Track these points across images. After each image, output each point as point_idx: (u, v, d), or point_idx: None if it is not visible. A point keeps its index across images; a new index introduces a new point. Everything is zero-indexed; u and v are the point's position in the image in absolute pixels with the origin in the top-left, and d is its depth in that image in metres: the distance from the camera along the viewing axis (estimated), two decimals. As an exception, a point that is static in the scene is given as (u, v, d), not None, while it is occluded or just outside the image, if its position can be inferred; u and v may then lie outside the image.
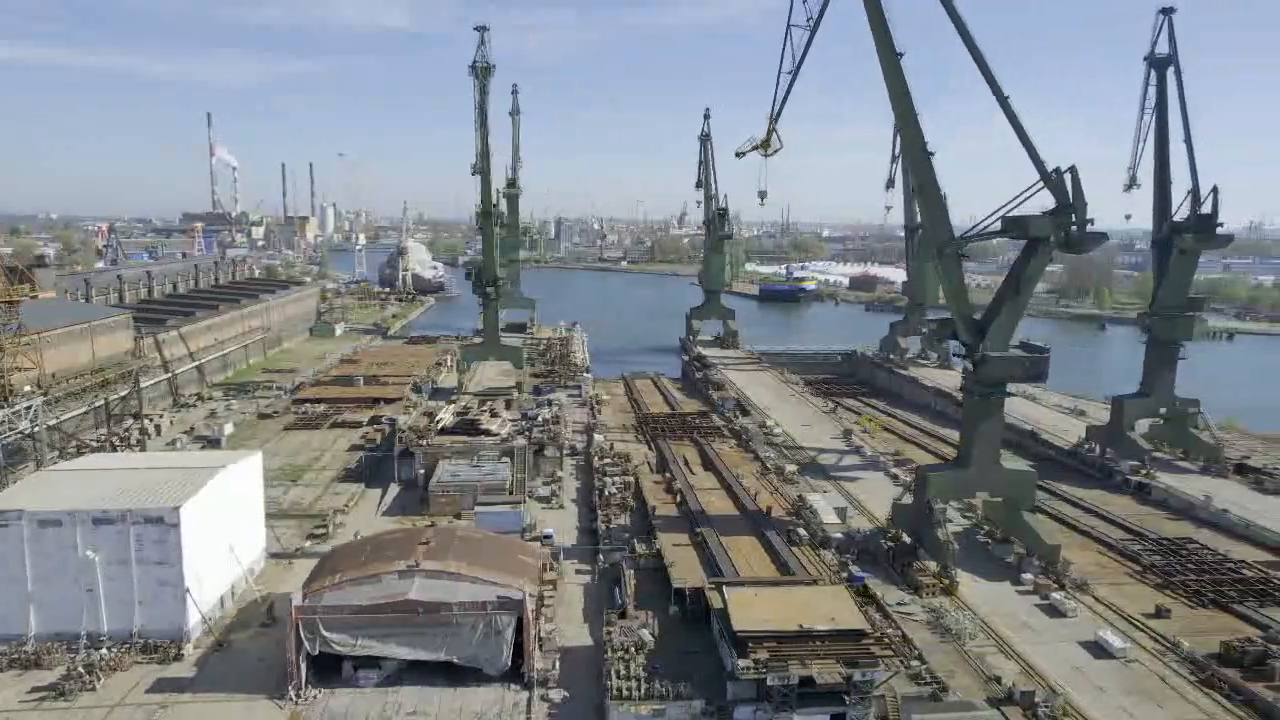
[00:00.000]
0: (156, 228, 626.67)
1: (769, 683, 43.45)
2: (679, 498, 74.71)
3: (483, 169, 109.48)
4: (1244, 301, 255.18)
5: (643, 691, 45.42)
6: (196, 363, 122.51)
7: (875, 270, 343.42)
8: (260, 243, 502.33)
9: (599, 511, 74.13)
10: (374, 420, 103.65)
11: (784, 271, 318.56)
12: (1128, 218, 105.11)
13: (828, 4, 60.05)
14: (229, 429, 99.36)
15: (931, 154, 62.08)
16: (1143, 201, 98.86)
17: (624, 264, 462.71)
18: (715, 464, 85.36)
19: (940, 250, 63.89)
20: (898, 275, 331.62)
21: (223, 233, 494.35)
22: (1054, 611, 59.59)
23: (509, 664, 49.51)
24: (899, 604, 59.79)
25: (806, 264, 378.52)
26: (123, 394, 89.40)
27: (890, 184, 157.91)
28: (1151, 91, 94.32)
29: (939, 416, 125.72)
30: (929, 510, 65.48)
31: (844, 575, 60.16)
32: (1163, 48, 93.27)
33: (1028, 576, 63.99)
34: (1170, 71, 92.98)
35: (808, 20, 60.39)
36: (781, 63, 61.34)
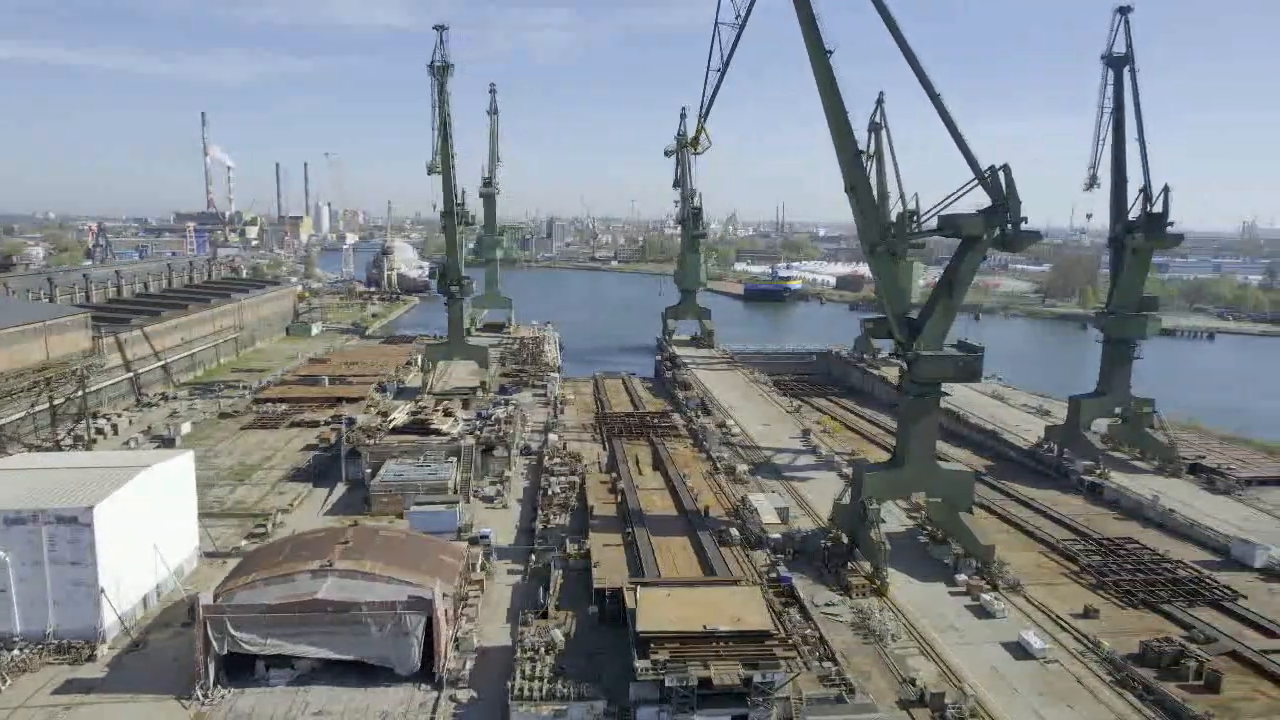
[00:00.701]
0: (151, 227, 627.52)
1: (667, 684, 43.34)
2: (620, 497, 74.59)
3: (443, 169, 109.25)
4: (1229, 302, 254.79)
5: (544, 692, 45.30)
6: (162, 362, 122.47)
7: (864, 269, 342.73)
8: (254, 242, 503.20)
9: (540, 511, 74.08)
10: (332, 420, 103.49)
11: (770, 271, 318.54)
12: (1089, 217, 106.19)
13: (754, 2, 59.89)
14: (186, 428, 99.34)
15: (862, 153, 61.87)
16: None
17: (614, 264, 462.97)
18: (665, 464, 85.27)
19: (871, 249, 63.80)
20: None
21: (216, 232, 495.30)
22: (983, 613, 59.35)
23: (419, 664, 49.36)
24: (827, 605, 59.66)
25: (794, 264, 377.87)
26: (71, 394, 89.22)
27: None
28: (1110, 91, 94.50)
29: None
30: (863, 510, 65.27)
31: (772, 576, 60.08)
32: (1120, 47, 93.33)
33: (961, 577, 63.76)
34: (1127, 71, 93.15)
35: (736, 18, 60.23)
36: (710, 60, 61.20)
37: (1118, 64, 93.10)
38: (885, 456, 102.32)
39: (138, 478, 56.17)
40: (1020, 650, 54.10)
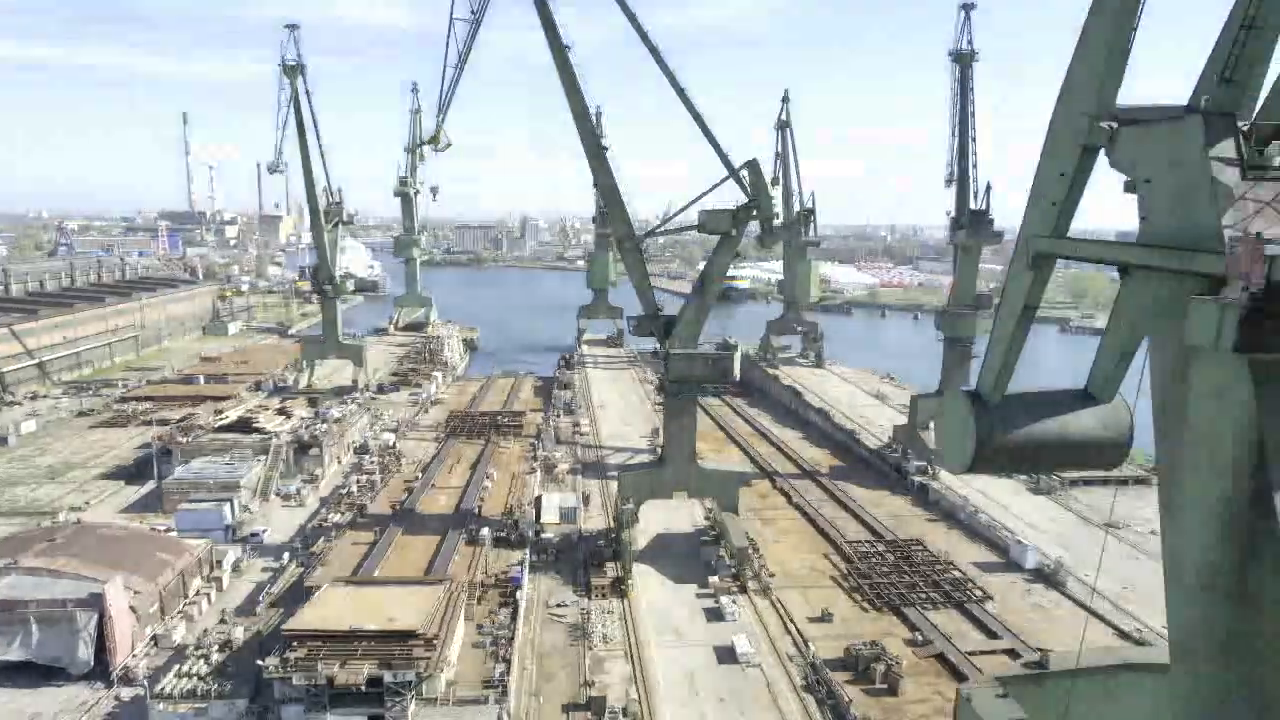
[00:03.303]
0: (134, 226, 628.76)
1: (295, 683, 42.99)
2: (408, 496, 74.17)
3: (304, 169, 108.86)
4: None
5: (184, 690, 44.90)
6: (35, 360, 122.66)
7: (826, 268, 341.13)
8: (232, 242, 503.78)
9: (324, 510, 73.80)
10: (183, 419, 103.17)
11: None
12: (948, 214, 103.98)
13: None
14: (31, 426, 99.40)
15: (605, 149, 61.28)
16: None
17: (579, 263, 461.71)
18: (482, 463, 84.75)
19: (620, 245, 63.30)
20: (838, 272, 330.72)
21: (195, 231, 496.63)
22: (716, 615, 58.62)
23: (91, 662, 49.00)
24: (557, 605, 59.08)
25: (761, 261, 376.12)
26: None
27: (775, 181, 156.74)
28: (956, 88, 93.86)
29: (790, 415, 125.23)
30: (620, 510, 64.74)
31: (504, 576, 59.56)
32: (966, 44, 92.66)
33: (714, 579, 63.15)
34: (971, 69, 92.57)
35: (471, 13, 59.69)
36: (446, 56, 60.67)
37: (963, 61, 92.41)
38: (737, 455, 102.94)
39: None
40: (729, 654, 53.39)
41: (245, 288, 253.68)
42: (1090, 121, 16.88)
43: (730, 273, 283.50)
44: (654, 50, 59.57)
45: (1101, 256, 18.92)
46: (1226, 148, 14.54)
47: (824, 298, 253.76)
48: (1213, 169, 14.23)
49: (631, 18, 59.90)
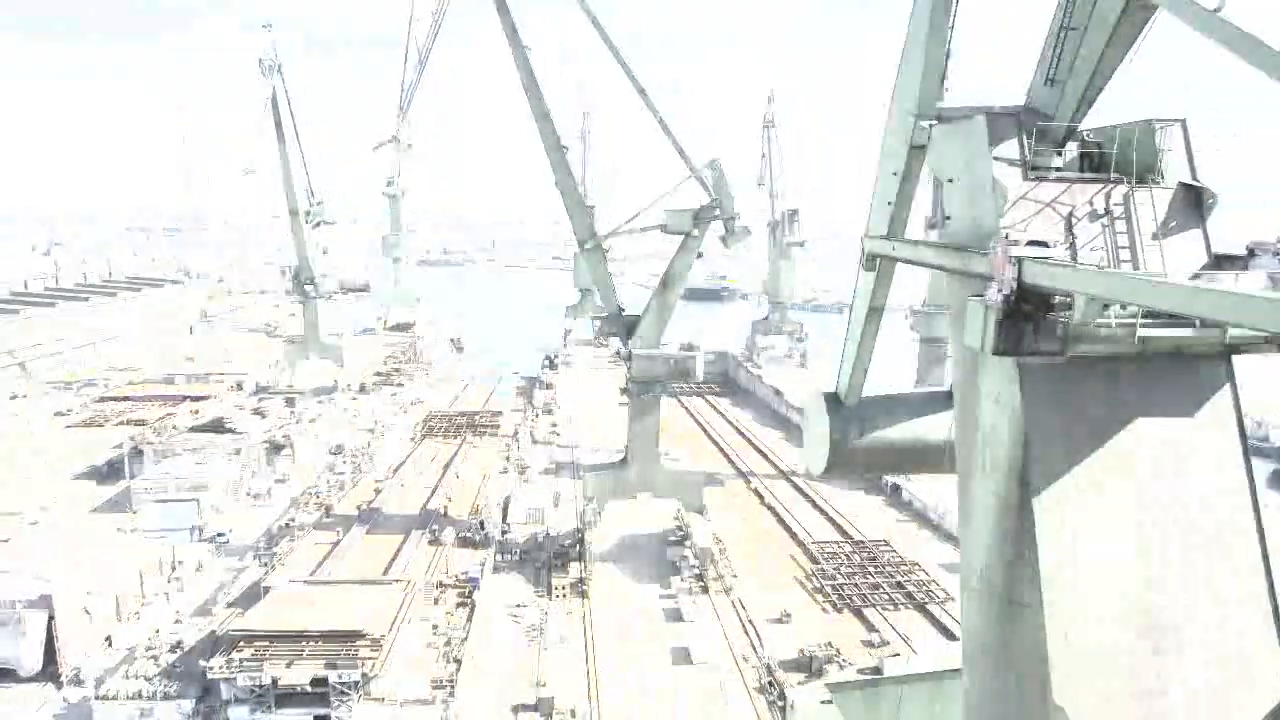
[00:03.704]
0: (131, 225, 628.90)
1: (239, 682, 43.01)
2: (377, 495, 74.23)
3: (283, 169, 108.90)
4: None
5: (130, 692, 44.87)
6: (17, 360, 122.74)
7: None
8: (229, 242, 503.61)
9: (292, 510, 73.81)
10: (160, 420, 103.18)
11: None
12: (926, 217, 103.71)
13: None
14: (4, 427, 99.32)
15: (565, 149, 61.23)
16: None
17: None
18: (454, 464, 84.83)
19: (581, 245, 63.26)
20: (831, 271, 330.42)
21: (190, 230, 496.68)
22: (675, 616, 58.56)
23: (40, 664, 49.04)
24: (517, 606, 59.08)
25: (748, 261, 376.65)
26: None
27: (761, 181, 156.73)
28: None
29: (773, 415, 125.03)
30: (584, 510, 64.82)
31: (462, 577, 59.56)
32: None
33: (676, 580, 63.12)
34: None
35: (432, 14, 59.76)
36: (406, 57, 60.74)
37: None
38: (714, 454, 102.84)
39: None
40: (684, 655, 53.36)
41: (237, 287, 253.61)
42: (915, 120, 17.02)
43: (723, 273, 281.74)
44: (613, 49, 59.46)
45: (913, 258, 18.95)
46: (1011, 148, 14.66)
47: (814, 297, 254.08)
48: (994, 169, 14.31)
49: (593, 19, 59.76)
